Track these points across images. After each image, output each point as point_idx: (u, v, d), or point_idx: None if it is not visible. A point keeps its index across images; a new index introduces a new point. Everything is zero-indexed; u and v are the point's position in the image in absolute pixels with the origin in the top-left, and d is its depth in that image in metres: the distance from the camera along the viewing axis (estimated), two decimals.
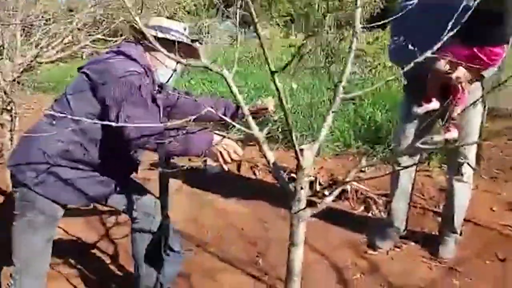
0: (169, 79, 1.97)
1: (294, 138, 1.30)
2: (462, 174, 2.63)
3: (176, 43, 1.81)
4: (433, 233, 2.94)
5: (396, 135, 2.81)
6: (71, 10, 4.72)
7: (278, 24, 15.39)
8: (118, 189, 2.00)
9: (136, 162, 2.04)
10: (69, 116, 1.64)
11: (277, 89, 1.12)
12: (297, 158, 1.38)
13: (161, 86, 2.00)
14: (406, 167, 2.71)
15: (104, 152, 1.84)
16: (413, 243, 2.87)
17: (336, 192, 1.48)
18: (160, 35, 1.83)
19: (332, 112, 1.49)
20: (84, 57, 7.00)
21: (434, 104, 2.46)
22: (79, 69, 1.86)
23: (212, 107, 1.75)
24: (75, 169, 1.82)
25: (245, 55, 9.76)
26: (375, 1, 6.78)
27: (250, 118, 1.45)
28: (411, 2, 2.41)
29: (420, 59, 1.47)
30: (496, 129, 4.80)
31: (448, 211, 2.74)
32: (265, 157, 1.49)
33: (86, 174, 1.85)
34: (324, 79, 5.93)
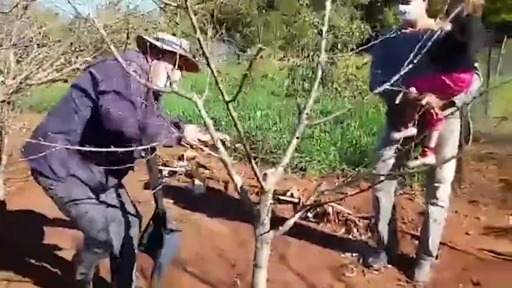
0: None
1: (253, 163, 1.37)
2: (437, 198, 2.70)
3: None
4: (411, 256, 2.99)
5: (376, 160, 2.90)
6: (71, 30, 4.84)
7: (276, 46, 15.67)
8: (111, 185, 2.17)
9: (130, 157, 2.16)
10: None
11: (233, 118, 1.20)
12: (259, 182, 1.44)
13: (157, 97, 2.19)
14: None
15: (102, 140, 1.93)
16: (390, 266, 2.92)
17: (298, 216, 1.54)
18: (165, 47, 2.06)
19: (296, 138, 1.57)
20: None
21: (411, 130, 2.55)
22: (85, 69, 2.13)
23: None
24: (77, 158, 2.01)
25: (240, 77, 9.94)
26: (364, 28, 6.96)
27: (219, 143, 1.53)
28: (392, 34, 2.56)
29: (381, 88, 1.56)
30: (480, 153, 4.89)
31: (424, 234, 2.81)
32: (232, 181, 1.56)
33: (86, 163, 2.03)
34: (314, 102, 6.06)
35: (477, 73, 2.44)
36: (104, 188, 2.13)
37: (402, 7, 2.51)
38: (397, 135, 2.58)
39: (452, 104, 2.53)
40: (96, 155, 1.97)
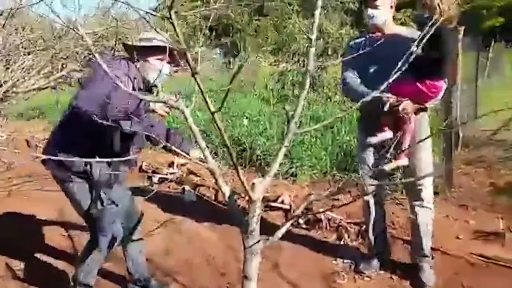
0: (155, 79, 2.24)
1: (240, 173, 1.35)
2: (422, 199, 2.72)
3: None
4: (402, 261, 2.98)
5: (359, 163, 2.93)
6: (60, 37, 4.80)
7: (267, 52, 15.65)
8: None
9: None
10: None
11: (219, 129, 1.18)
12: (247, 193, 1.42)
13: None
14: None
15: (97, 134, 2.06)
16: (382, 272, 2.91)
17: (287, 226, 1.53)
18: (153, 42, 2.14)
19: (285, 146, 1.56)
20: (72, 84, 7.08)
21: (387, 134, 2.61)
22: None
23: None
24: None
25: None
26: (353, 33, 7.01)
27: (207, 152, 1.51)
28: (359, 40, 2.66)
29: (369, 98, 1.58)
30: (469, 158, 4.92)
31: (416, 237, 2.80)
32: (221, 191, 1.54)
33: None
34: (305, 107, 6.07)
35: (445, 81, 2.55)
36: (107, 183, 2.23)
37: (370, 11, 2.58)
38: (373, 140, 2.65)
39: (424, 108, 2.63)
40: (97, 149, 2.06)
